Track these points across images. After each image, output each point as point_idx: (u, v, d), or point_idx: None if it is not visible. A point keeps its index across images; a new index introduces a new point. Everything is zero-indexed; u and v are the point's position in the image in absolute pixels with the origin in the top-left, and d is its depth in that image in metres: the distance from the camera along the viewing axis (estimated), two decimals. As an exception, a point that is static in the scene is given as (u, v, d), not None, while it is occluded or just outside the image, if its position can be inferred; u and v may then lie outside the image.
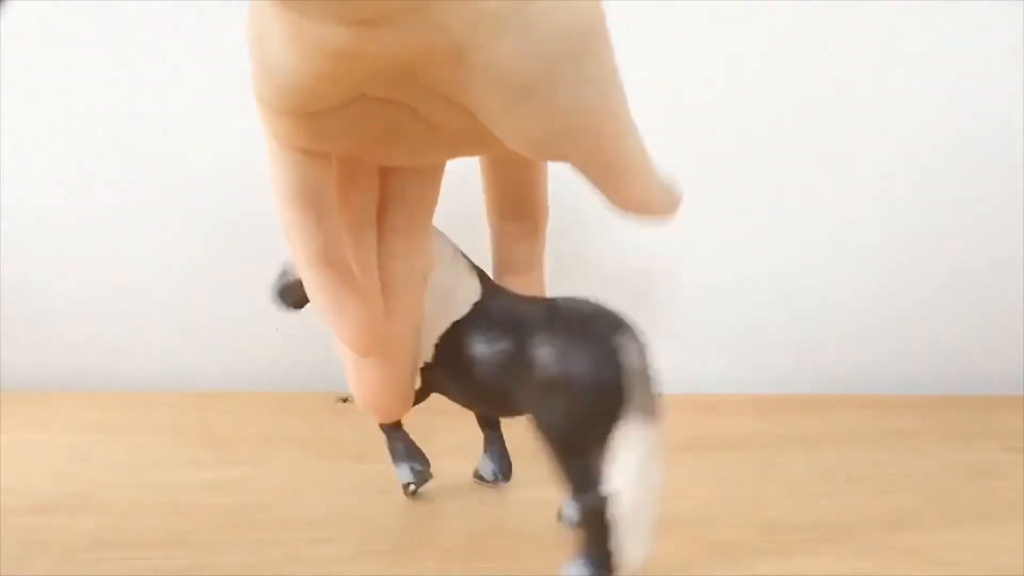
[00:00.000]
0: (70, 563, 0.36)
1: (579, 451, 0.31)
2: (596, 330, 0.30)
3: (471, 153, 0.28)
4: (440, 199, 0.31)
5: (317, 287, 0.27)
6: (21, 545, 0.38)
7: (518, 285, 0.35)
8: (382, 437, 0.42)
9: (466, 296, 0.34)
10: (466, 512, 0.42)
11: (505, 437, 0.48)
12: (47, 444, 0.49)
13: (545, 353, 0.31)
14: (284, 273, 0.39)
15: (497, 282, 0.36)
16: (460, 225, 0.57)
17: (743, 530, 0.40)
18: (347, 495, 0.43)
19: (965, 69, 0.58)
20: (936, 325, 0.63)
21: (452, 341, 0.34)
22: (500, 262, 0.36)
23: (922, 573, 0.37)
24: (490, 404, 0.36)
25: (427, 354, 0.35)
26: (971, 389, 0.63)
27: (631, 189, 0.25)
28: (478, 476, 0.44)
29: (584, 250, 0.59)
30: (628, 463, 0.31)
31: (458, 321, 0.34)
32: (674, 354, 0.64)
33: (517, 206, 0.35)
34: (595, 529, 0.32)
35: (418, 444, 0.43)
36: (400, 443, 0.42)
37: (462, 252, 0.37)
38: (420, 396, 0.39)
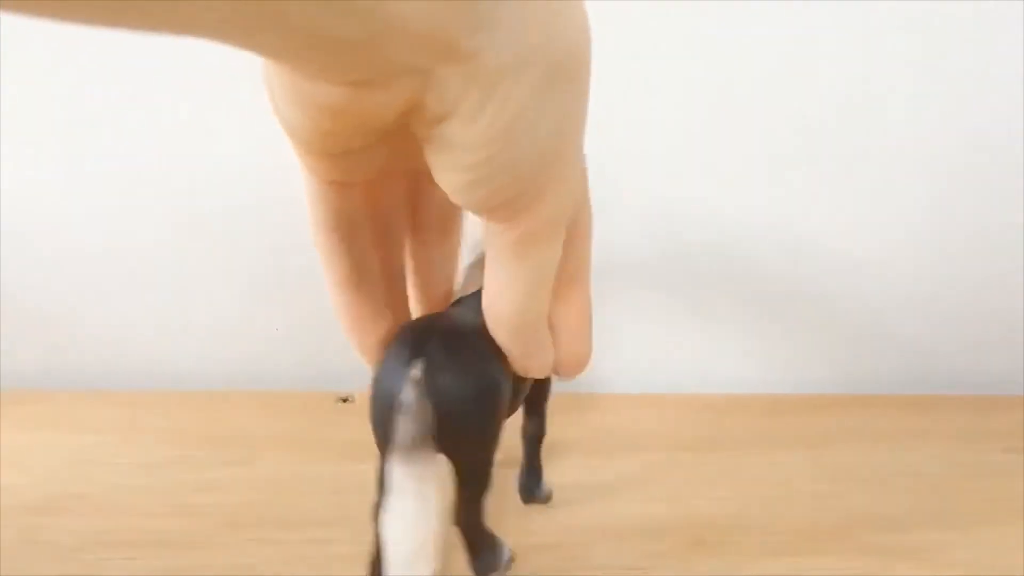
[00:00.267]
0: (70, 563, 0.36)
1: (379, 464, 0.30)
2: (397, 347, 0.28)
3: None
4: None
5: (341, 308, 0.30)
6: (21, 545, 0.38)
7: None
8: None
9: None
10: (466, 512, 0.42)
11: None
12: (47, 444, 0.49)
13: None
14: None
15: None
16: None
17: (743, 530, 0.40)
18: (347, 495, 0.43)
19: (966, 70, 0.58)
20: (936, 325, 0.63)
21: None
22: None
23: (922, 573, 0.37)
24: None
25: None
26: (972, 389, 0.63)
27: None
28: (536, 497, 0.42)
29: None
30: (388, 502, 0.30)
31: None
32: (674, 354, 0.64)
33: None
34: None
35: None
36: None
37: None
38: None
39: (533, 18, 0.19)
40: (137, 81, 0.56)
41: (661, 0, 0.55)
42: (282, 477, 0.45)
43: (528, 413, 0.41)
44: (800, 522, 0.41)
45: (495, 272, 0.26)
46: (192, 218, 0.59)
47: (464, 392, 0.28)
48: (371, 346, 0.29)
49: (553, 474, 0.42)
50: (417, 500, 0.30)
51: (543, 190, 0.23)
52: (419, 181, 0.30)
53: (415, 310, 0.33)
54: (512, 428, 0.45)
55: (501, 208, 0.24)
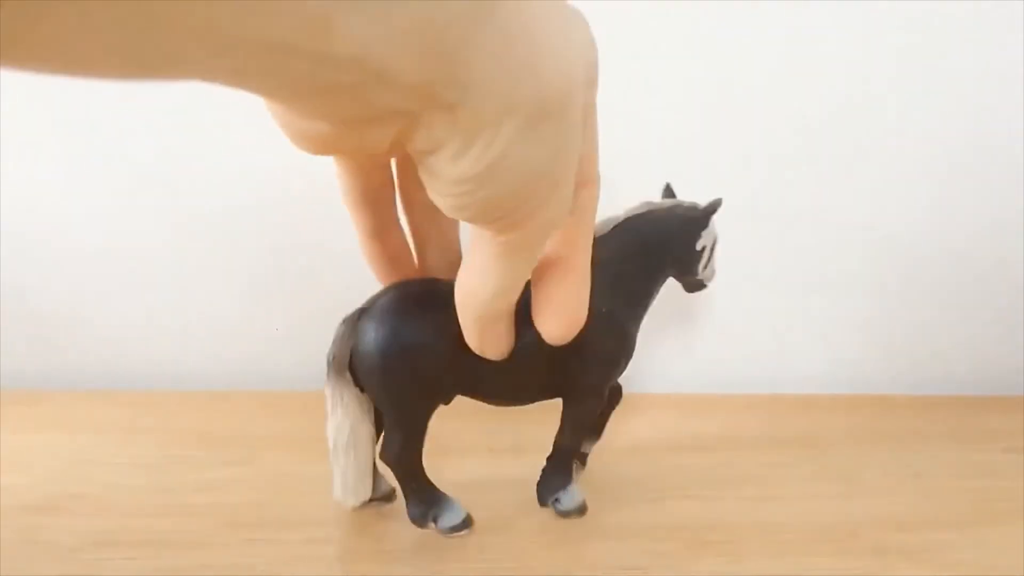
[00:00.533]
0: (70, 563, 0.36)
1: None
2: (368, 308, 0.37)
3: None
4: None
5: (366, 254, 0.36)
6: (21, 545, 0.38)
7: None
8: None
9: None
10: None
11: (502, 437, 0.48)
12: (47, 444, 0.49)
13: None
14: None
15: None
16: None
17: (743, 530, 0.40)
18: (347, 495, 0.43)
19: (966, 70, 0.57)
20: (938, 326, 0.63)
21: None
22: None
23: (922, 573, 0.37)
24: None
25: None
26: (972, 389, 0.63)
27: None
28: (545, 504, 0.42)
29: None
30: (329, 411, 0.38)
31: None
32: (674, 355, 0.64)
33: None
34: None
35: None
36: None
37: None
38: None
39: (511, 73, 0.20)
40: (144, 86, 0.56)
41: (661, 0, 0.55)
42: (282, 477, 0.45)
43: (562, 421, 0.41)
44: (800, 522, 0.41)
45: (473, 261, 0.28)
46: (192, 219, 0.59)
47: (373, 339, 0.35)
48: (389, 277, 0.36)
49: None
50: (345, 415, 0.38)
51: (529, 213, 0.24)
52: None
53: (430, 270, 0.37)
54: (512, 425, 0.45)
55: (487, 224, 0.25)
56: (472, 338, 0.32)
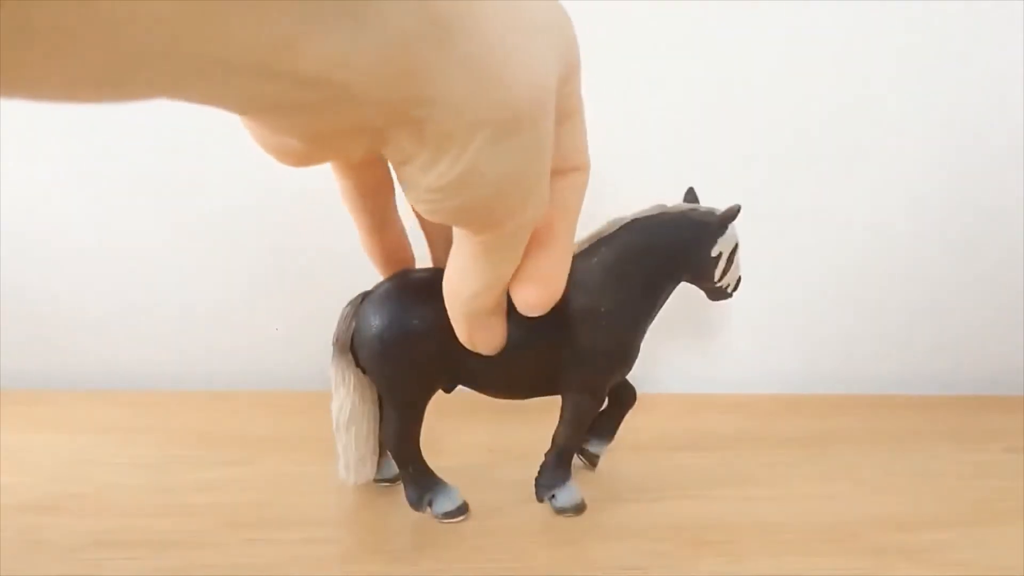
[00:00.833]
0: (70, 563, 0.36)
1: None
2: (370, 292, 0.39)
3: None
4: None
5: (366, 249, 0.37)
6: (21, 545, 0.38)
7: None
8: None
9: None
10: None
11: (502, 437, 0.48)
12: (47, 444, 0.49)
13: None
14: None
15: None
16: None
17: (743, 530, 0.40)
18: (347, 495, 0.43)
19: (968, 71, 0.58)
20: (938, 326, 0.63)
21: None
22: None
23: (922, 573, 0.37)
24: None
25: None
26: (972, 389, 0.63)
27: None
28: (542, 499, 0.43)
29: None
30: (333, 391, 0.40)
31: None
32: (674, 355, 0.64)
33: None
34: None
35: (423, 444, 0.43)
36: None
37: None
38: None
39: (476, 90, 0.20)
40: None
41: (661, 0, 0.55)
42: (282, 477, 0.45)
43: (560, 418, 0.41)
44: (800, 522, 0.41)
45: (455, 258, 0.29)
46: (192, 219, 0.59)
47: (372, 324, 0.37)
48: (387, 271, 0.38)
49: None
50: (347, 394, 0.39)
51: (504, 216, 0.24)
52: None
53: (440, 262, 0.38)
54: (512, 426, 0.45)
55: (461, 226, 0.26)
56: (462, 334, 0.32)
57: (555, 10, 0.24)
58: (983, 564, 0.38)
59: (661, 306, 0.41)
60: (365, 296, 0.39)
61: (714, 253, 0.39)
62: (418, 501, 0.40)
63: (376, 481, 0.44)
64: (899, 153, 0.59)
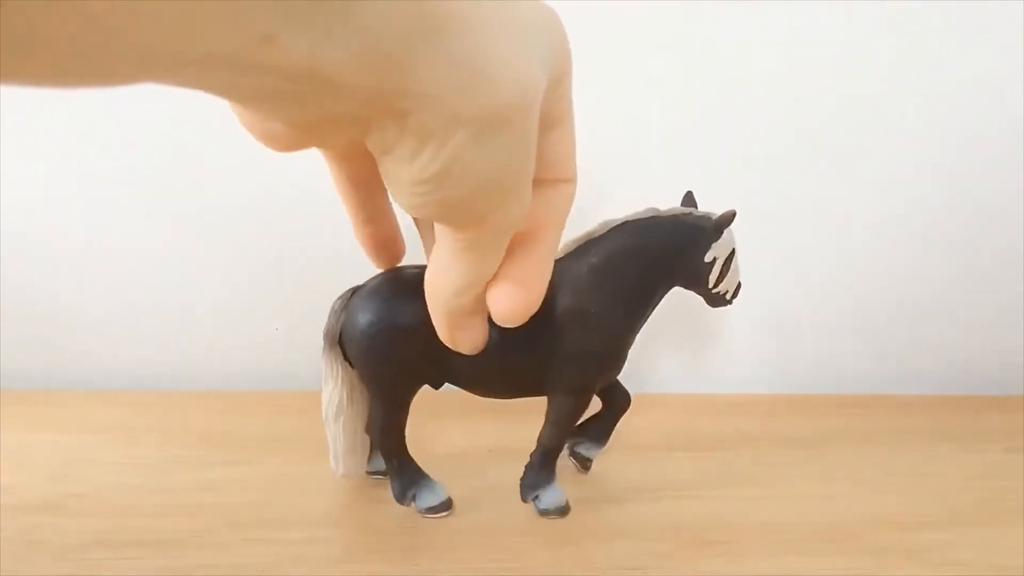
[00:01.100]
0: (70, 563, 0.36)
1: None
2: (360, 288, 0.40)
3: None
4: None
5: (357, 236, 0.36)
6: (21, 545, 0.38)
7: None
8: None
9: None
10: (463, 512, 0.42)
11: (502, 437, 0.48)
12: (47, 444, 0.49)
13: None
14: None
15: None
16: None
17: (742, 530, 0.40)
18: (346, 495, 0.43)
19: (968, 72, 0.57)
20: (938, 326, 0.63)
21: None
22: None
23: (922, 573, 0.37)
24: None
25: None
26: (972, 389, 0.63)
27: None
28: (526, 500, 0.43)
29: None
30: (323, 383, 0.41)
31: None
32: (674, 355, 0.64)
33: None
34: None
35: (419, 444, 0.43)
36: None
37: None
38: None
39: (461, 85, 0.20)
40: (142, 86, 0.56)
41: (661, 0, 0.55)
42: (282, 477, 0.45)
43: (545, 419, 0.41)
44: (800, 522, 0.41)
45: (437, 256, 0.29)
46: (192, 219, 0.59)
47: (358, 318, 0.38)
48: (379, 261, 0.37)
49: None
50: (336, 387, 0.40)
51: (484, 216, 0.25)
52: None
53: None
54: (510, 425, 0.45)
55: (442, 222, 0.26)
56: (443, 332, 0.32)
57: (547, 14, 0.24)
58: (983, 564, 0.38)
59: (652, 310, 0.41)
60: (355, 291, 0.40)
61: (708, 258, 0.39)
62: (402, 495, 0.41)
63: (368, 473, 0.44)
64: (898, 153, 0.59)
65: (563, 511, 0.41)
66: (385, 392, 0.39)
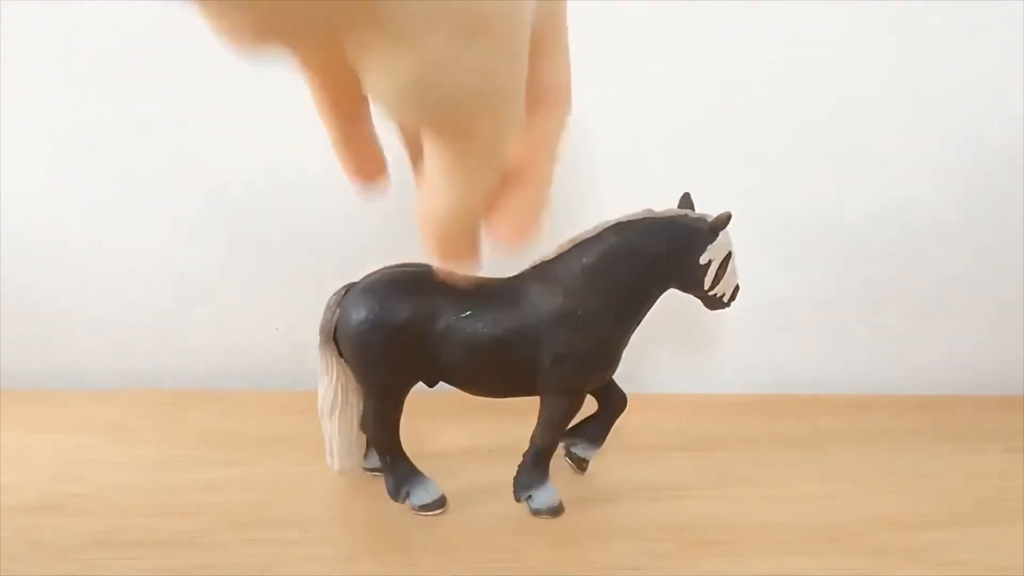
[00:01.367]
0: (70, 563, 0.36)
1: None
2: (355, 284, 0.40)
3: None
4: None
5: (339, 159, 0.35)
6: (21, 545, 0.38)
7: None
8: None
9: None
10: (463, 512, 0.42)
11: (502, 437, 0.48)
12: (47, 444, 0.49)
13: None
14: None
15: None
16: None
17: (742, 530, 0.40)
18: (345, 495, 0.43)
19: (967, 72, 0.57)
20: (938, 326, 0.63)
21: None
22: None
23: (922, 573, 0.37)
24: None
25: None
26: (972, 389, 0.63)
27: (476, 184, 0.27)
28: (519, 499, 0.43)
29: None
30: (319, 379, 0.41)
31: None
32: (675, 355, 0.64)
33: None
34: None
35: (415, 443, 0.43)
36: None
37: None
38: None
39: None
40: (138, 84, 0.56)
41: (661, 0, 0.55)
42: (282, 477, 0.45)
43: (538, 419, 0.41)
44: (800, 522, 0.41)
45: (428, 174, 0.28)
46: (193, 220, 0.59)
47: (351, 315, 0.38)
48: (358, 185, 0.35)
49: (553, 474, 0.42)
50: (331, 382, 0.41)
51: (469, 126, 0.24)
52: None
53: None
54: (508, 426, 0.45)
55: (426, 130, 0.25)
56: (436, 257, 0.32)
57: None
58: (983, 564, 0.38)
59: (646, 312, 0.41)
60: (350, 288, 0.40)
61: (703, 260, 0.39)
62: (396, 492, 0.41)
63: (366, 470, 0.44)
64: (898, 153, 0.59)
65: (556, 511, 0.41)
66: (378, 388, 0.40)
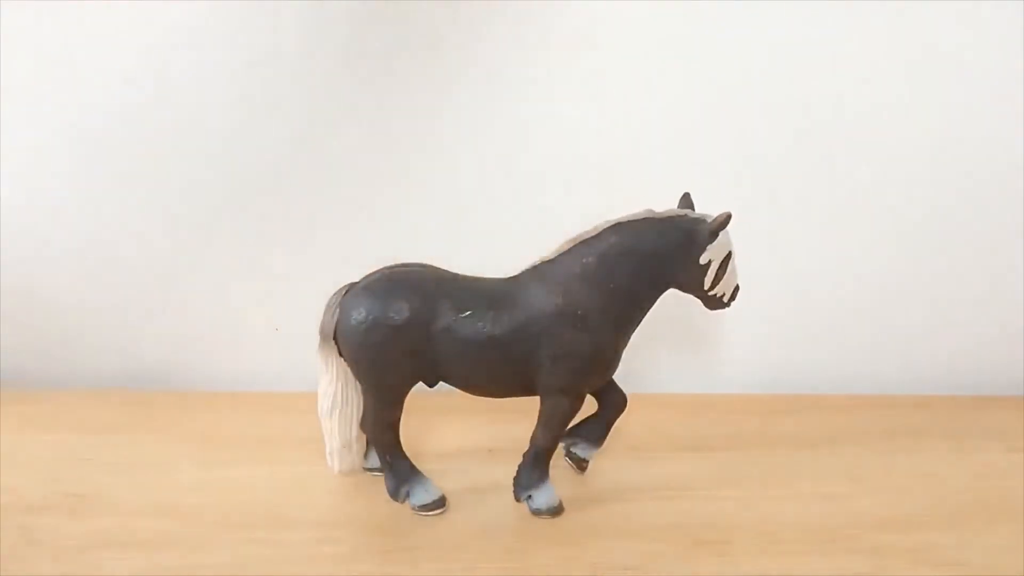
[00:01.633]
0: (70, 563, 0.36)
1: None
2: (355, 284, 0.40)
3: None
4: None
5: None
6: (21, 545, 0.38)
7: None
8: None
9: None
10: (463, 512, 0.42)
11: (502, 437, 0.48)
12: (47, 444, 0.49)
13: None
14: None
15: None
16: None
17: (742, 530, 0.40)
18: (345, 495, 0.43)
19: (967, 71, 0.57)
20: (937, 326, 0.63)
21: None
22: None
23: (922, 573, 0.37)
24: None
25: None
26: (972, 389, 0.63)
27: None
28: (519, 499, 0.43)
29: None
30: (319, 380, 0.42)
31: None
32: (675, 355, 0.64)
33: None
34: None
35: (415, 443, 0.43)
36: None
37: None
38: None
39: None
40: (138, 84, 0.56)
41: (661, 1, 0.55)
42: (282, 477, 0.45)
43: (537, 419, 0.41)
44: (800, 522, 0.41)
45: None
46: (193, 219, 0.59)
47: (351, 315, 0.39)
48: None
49: (553, 474, 0.42)
50: (330, 382, 0.41)
51: None
52: None
53: None
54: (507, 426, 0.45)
55: None
56: None
57: None
58: (983, 564, 0.38)
59: (646, 312, 0.41)
60: (350, 287, 0.40)
61: (703, 260, 0.39)
62: (396, 492, 0.41)
63: (366, 470, 0.45)
64: (898, 154, 0.59)
65: (556, 511, 0.41)
66: (378, 388, 0.40)
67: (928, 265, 0.62)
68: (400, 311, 0.38)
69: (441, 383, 0.41)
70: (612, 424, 0.45)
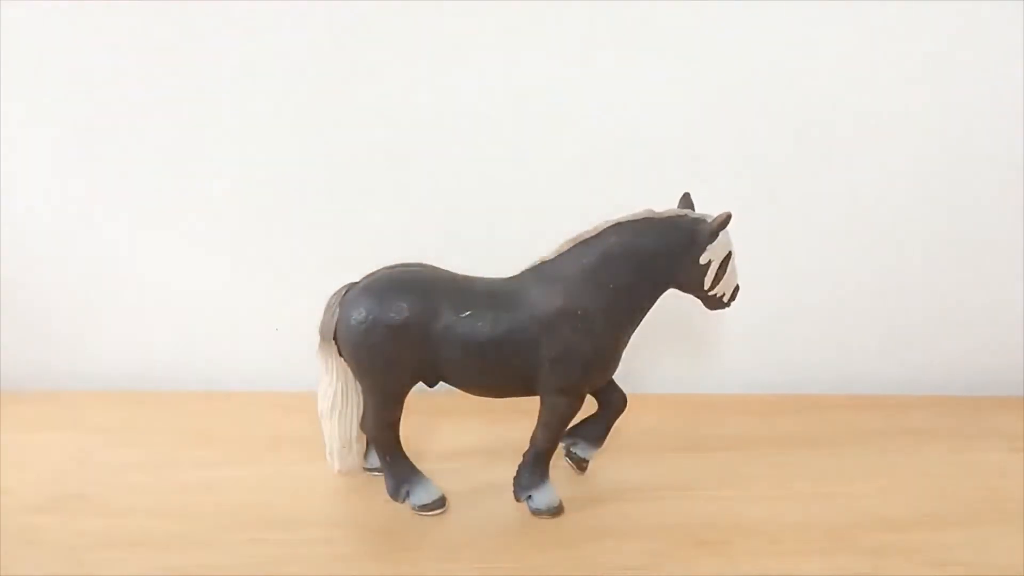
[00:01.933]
0: (70, 563, 0.36)
1: None
2: (356, 284, 0.40)
3: None
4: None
5: None
6: (21, 545, 0.38)
7: None
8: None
9: None
10: (463, 512, 0.42)
11: (502, 438, 0.48)
12: (47, 444, 0.49)
13: None
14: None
15: None
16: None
17: (742, 530, 0.40)
18: (346, 495, 0.43)
19: (967, 72, 0.57)
20: (938, 326, 0.63)
21: None
22: None
23: (922, 573, 0.37)
24: None
25: None
26: (972, 389, 0.63)
27: None
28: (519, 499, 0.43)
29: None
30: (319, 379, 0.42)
31: None
32: (675, 355, 0.64)
33: None
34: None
35: (417, 445, 0.43)
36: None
37: None
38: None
39: None
40: (138, 84, 0.56)
41: (661, 1, 0.55)
42: (282, 477, 0.45)
43: (537, 419, 0.41)
44: (800, 522, 0.41)
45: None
46: (193, 220, 0.59)
47: (351, 315, 0.38)
48: None
49: (553, 474, 0.42)
50: (331, 382, 0.41)
51: None
52: None
53: None
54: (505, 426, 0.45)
55: None
56: None
57: None
58: (983, 564, 0.38)
59: (646, 312, 0.41)
60: (350, 287, 0.40)
61: (703, 260, 0.39)
62: (396, 492, 0.41)
63: (366, 470, 0.45)
64: (899, 154, 0.59)
65: (556, 511, 0.41)
66: (378, 388, 0.40)
67: (928, 265, 0.62)
68: (400, 311, 0.38)
69: (441, 383, 0.41)
70: (612, 424, 0.45)
